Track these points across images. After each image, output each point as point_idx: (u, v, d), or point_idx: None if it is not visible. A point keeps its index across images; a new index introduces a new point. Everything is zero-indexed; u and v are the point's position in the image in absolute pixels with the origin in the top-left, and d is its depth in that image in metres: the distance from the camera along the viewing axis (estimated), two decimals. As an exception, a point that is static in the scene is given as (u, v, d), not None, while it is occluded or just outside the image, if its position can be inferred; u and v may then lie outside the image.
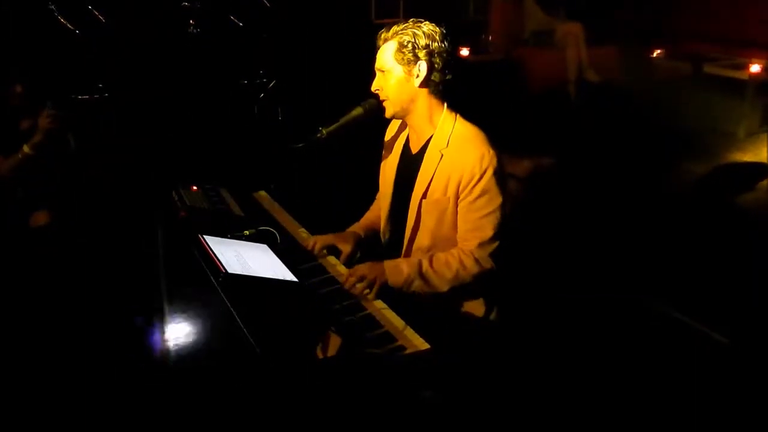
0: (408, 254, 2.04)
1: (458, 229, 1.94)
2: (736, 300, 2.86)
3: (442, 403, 1.60)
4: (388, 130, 2.19)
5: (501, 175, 1.89)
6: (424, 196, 1.95)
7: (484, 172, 1.86)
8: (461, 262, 1.89)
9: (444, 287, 1.90)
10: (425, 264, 1.89)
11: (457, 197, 1.91)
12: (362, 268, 1.87)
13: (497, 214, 1.89)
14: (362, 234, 2.18)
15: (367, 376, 1.49)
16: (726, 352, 2.63)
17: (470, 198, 1.88)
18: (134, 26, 5.14)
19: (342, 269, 1.98)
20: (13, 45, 2.82)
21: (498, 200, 1.89)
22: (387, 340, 1.61)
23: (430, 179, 1.93)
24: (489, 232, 1.89)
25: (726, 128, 5.00)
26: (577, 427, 2.18)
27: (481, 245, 1.89)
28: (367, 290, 1.82)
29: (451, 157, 1.90)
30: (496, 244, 1.90)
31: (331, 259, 2.04)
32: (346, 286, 1.84)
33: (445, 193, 1.92)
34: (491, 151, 1.88)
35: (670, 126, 4.71)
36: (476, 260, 1.89)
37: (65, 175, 2.88)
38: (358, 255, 2.13)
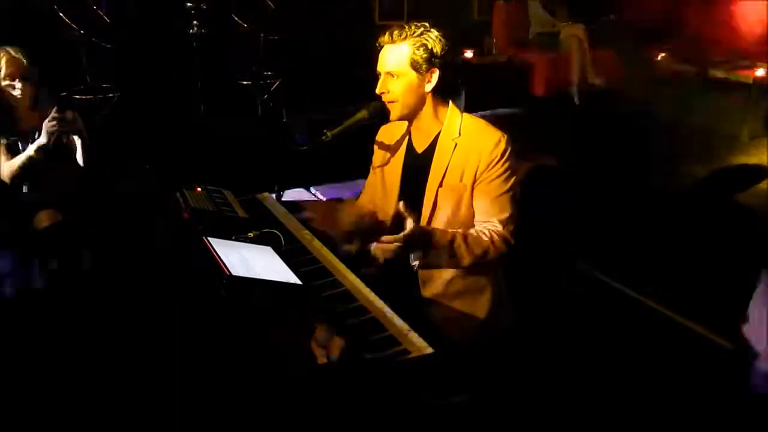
0: None
1: (477, 211, 1.99)
2: (738, 303, 2.85)
3: (445, 406, 1.59)
4: (382, 133, 2.19)
5: (513, 158, 1.98)
6: (441, 184, 1.99)
7: (503, 154, 1.94)
8: (492, 239, 1.93)
9: (467, 262, 1.92)
10: (459, 238, 1.91)
11: (473, 182, 1.96)
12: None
13: (512, 192, 1.97)
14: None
15: (371, 379, 1.49)
16: (728, 355, 2.62)
17: (488, 179, 1.94)
18: (138, 27, 5.15)
19: (345, 271, 1.97)
20: (17, 46, 2.80)
21: (513, 179, 1.98)
22: (391, 344, 1.61)
23: (445, 168, 1.98)
24: (510, 210, 1.97)
25: (729, 131, 5.00)
26: (579, 427, 2.18)
27: (504, 223, 1.95)
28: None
29: (466, 145, 1.96)
30: (515, 221, 1.97)
31: (336, 262, 2.03)
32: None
33: (461, 179, 1.97)
34: (505, 135, 1.97)
35: (673, 128, 4.72)
36: (503, 238, 1.95)
37: (70, 176, 2.87)
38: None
